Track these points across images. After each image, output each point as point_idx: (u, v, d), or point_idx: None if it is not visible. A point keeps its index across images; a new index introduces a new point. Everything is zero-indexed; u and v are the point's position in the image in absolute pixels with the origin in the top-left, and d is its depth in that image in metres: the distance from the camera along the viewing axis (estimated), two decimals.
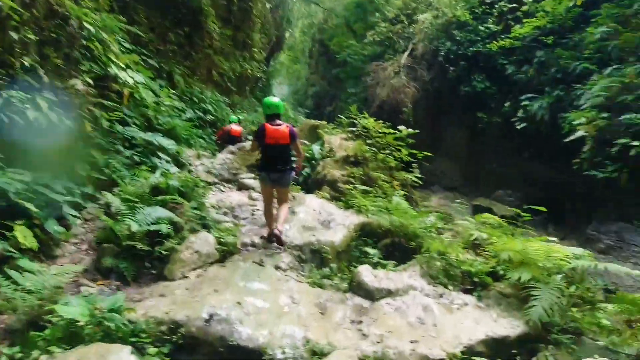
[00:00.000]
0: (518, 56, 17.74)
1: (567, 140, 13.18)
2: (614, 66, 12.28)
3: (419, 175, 9.91)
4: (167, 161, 7.86)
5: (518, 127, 16.49)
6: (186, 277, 4.68)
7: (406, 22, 22.19)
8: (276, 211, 5.96)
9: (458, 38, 19.67)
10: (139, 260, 4.85)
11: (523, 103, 16.43)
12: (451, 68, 19.76)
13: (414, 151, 9.82)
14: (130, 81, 7.61)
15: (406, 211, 6.63)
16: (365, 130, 10.22)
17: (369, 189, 8.05)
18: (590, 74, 13.72)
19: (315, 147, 9.58)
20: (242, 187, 8.64)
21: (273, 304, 4.24)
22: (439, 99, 20.70)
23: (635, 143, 10.70)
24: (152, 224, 4.95)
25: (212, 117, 13.52)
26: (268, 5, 27.34)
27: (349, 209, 7.52)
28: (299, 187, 8.73)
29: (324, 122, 11.24)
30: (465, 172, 20.74)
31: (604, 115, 12.04)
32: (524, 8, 17.58)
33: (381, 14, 23.62)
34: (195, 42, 14.62)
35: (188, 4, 13.52)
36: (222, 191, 8.29)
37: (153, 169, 7.20)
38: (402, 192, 8.37)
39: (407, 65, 20.87)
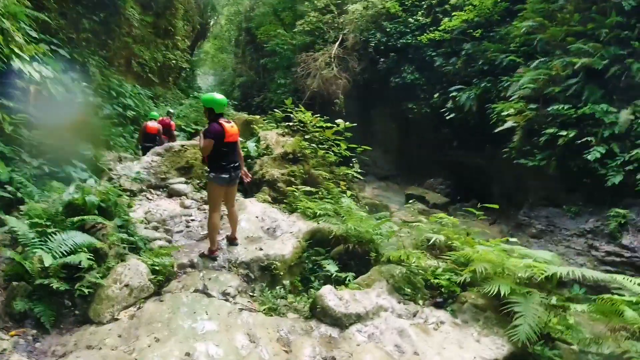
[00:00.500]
0: (446, 49, 17.90)
1: (497, 130, 13.41)
2: (540, 59, 12.56)
3: (360, 170, 9.54)
4: (82, 169, 6.85)
5: (447, 118, 16.65)
6: (117, 319, 3.89)
7: (336, 12, 21.76)
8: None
9: (388, 30, 19.55)
10: (58, 301, 4.00)
11: (452, 94, 16.60)
12: (381, 59, 19.63)
13: (354, 145, 9.43)
14: (37, 76, 6.52)
15: (361, 217, 6.16)
16: (302, 124, 9.68)
17: (313, 189, 7.52)
18: (516, 66, 14.02)
19: (251, 144, 8.90)
20: (172, 193, 7.77)
21: (228, 348, 3.57)
22: (370, 90, 20.55)
23: (563, 133, 11.00)
24: (69, 253, 4.09)
25: (133, 113, 12.28)
26: None
27: (294, 213, 6.97)
28: None
29: (258, 117, 10.54)
30: (398, 161, 20.84)
31: (532, 106, 12.31)
32: (453, 1, 17.71)
33: (311, 3, 22.96)
34: (112, 29, 13.26)
35: None
36: (150, 200, 7.37)
37: (67, 180, 6.19)
38: (350, 193, 7.91)
39: (337, 56, 20.48)
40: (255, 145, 8.85)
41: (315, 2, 22.76)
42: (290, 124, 9.57)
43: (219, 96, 5.26)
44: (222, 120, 5.13)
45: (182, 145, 8.85)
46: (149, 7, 17.93)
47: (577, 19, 11.67)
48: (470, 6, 16.84)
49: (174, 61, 20.98)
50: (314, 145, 8.97)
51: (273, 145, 8.65)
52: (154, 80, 19.09)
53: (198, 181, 8.26)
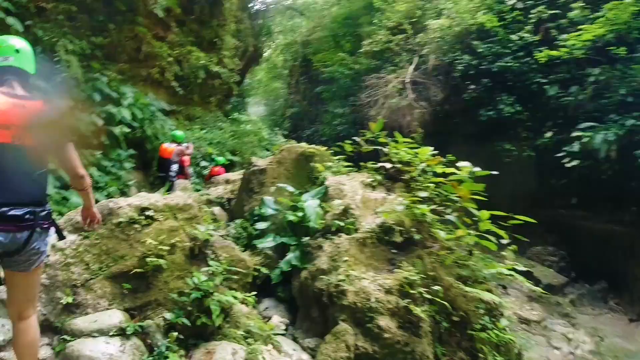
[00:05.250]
0: (564, 74, 12.86)
1: None
2: None
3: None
4: None
5: (567, 166, 11.46)
6: None
7: (410, 32, 17.14)
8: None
9: (480, 50, 14.71)
10: None
11: (577, 134, 11.43)
12: (470, 87, 14.74)
13: (499, 213, 4.56)
14: None
15: None
16: (401, 167, 4.92)
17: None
18: None
19: (311, 203, 4.23)
20: None
21: None
22: (451, 123, 15.68)
23: None
24: None
25: (129, 131, 7.82)
26: (246, 13, 22.34)
27: None
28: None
29: (323, 149, 5.84)
30: None
31: None
32: (573, 14, 12.71)
33: (379, 21, 18.61)
34: (117, 10, 9.01)
35: None
36: None
37: None
38: None
39: (412, 82, 15.79)
40: (320, 206, 4.13)
41: (385, 20, 18.36)
42: (385, 166, 4.83)
43: None
44: None
45: None
46: (190, 11, 13.95)
47: None
48: (600, 20, 11.82)
49: (218, 80, 16.86)
50: (433, 207, 4.17)
51: (357, 208, 3.91)
52: (191, 99, 14.99)
53: None
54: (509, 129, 14.08)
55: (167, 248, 3.30)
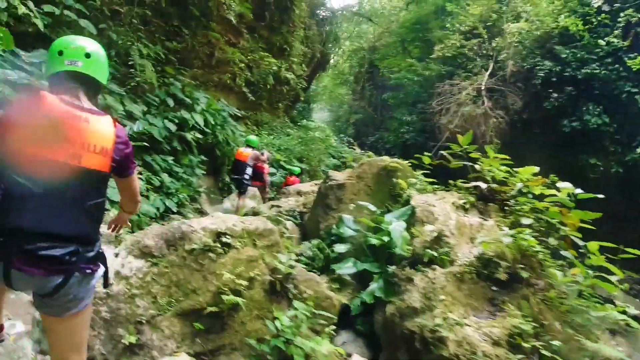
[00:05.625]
0: None
1: None
2: None
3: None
4: None
5: None
6: None
7: (486, 36, 16.14)
8: None
9: (563, 56, 13.52)
10: None
11: None
12: (552, 95, 13.58)
13: (607, 244, 3.87)
14: None
15: None
16: (500, 185, 4.35)
17: None
18: None
19: (396, 226, 3.71)
20: None
21: None
22: (529, 134, 14.56)
23: None
24: None
25: (200, 137, 7.64)
26: (314, 20, 22.22)
27: None
28: None
29: (405, 163, 5.31)
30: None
31: None
32: None
33: (452, 25, 17.74)
34: (191, 15, 8.97)
35: None
36: None
37: None
38: None
39: (488, 89, 14.83)
40: (406, 229, 3.63)
41: (458, 24, 17.44)
42: (481, 186, 4.26)
43: None
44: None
45: None
46: (261, 18, 13.91)
47: None
48: None
49: (286, 86, 16.76)
50: (539, 235, 3.60)
51: (451, 235, 3.40)
52: (260, 104, 14.95)
53: None
54: (594, 142, 12.85)
55: (245, 282, 2.90)
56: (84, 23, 5.75)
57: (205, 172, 8.13)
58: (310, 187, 7.53)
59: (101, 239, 1.91)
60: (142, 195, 5.72)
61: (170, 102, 7.08)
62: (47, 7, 5.21)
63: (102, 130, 1.79)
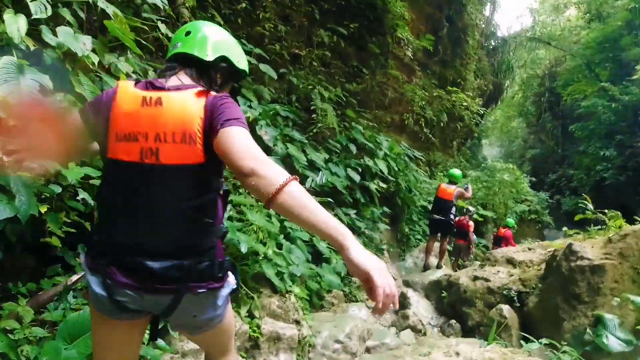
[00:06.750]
0: None
1: None
2: None
3: None
4: None
5: None
6: None
7: None
8: None
9: None
10: None
11: None
12: None
13: None
14: None
15: None
16: None
17: None
18: None
19: None
20: None
21: None
22: None
23: None
24: None
25: (384, 186, 6.49)
26: (484, 50, 20.45)
27: None
28: None
29: None
30: None
31: None
32: None
33: None
34: (370, 54, 8.17)
35: None
36: None
37: None
38: None
39: None
40: None
41: None
42: None
43: None
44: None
45: None
46: (433, 53, 12.78)
47: None
48: None
49: (460, 122, 15.16)
50: None
51: None
52: (433, 144, 13.64)
53: None
54: None
55: None
56: (264, 68, 5.37)
57: (388, 227, 7.03)
58: (524, 254, 5.80)
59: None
60: (324, 258, 4.76)
61: (353, 148, 6.22)
62: None
63: (181, 111, 1.33)
